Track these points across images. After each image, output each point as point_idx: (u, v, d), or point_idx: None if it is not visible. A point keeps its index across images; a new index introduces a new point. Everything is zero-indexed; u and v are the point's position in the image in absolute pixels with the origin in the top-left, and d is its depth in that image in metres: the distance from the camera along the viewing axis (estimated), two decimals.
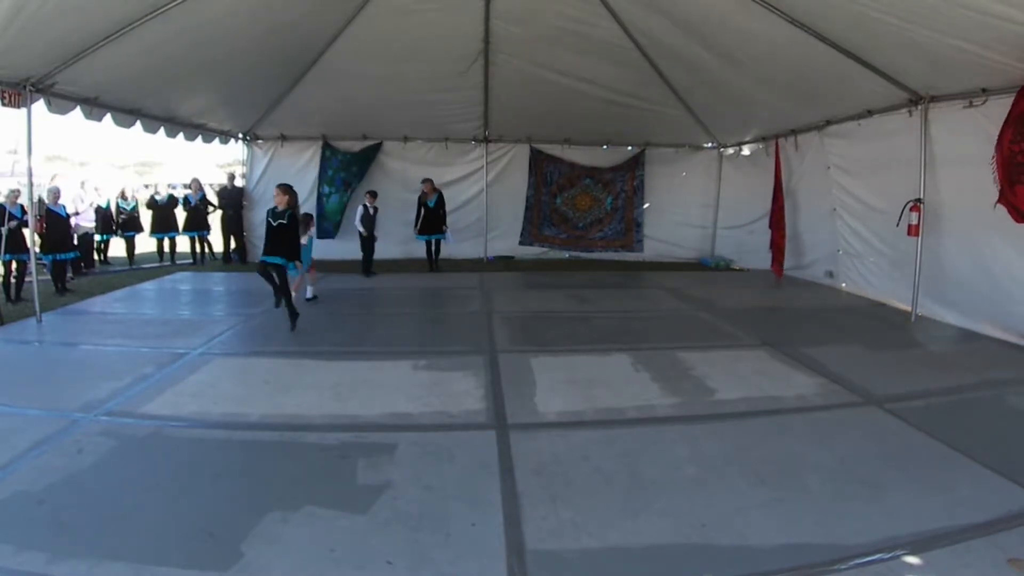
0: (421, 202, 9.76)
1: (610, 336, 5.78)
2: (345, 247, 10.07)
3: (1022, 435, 3.46)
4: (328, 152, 10.80)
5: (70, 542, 2.36)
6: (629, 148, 11.30)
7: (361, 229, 9.01)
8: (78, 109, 6.46)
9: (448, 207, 10.07)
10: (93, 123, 6.88)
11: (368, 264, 9.14)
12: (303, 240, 7.17)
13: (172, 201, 11.32)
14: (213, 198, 11.67)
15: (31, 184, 6.09)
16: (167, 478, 2.91)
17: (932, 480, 2.92)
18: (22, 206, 7.07)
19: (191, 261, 11.01)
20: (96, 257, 10.55)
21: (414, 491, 2.81)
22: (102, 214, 10.29)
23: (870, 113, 6.92)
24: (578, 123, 10.34)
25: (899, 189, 6.44)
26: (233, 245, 11.03)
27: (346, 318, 6.55)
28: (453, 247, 10.53)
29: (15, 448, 3.15)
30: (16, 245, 7.08)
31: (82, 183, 10.26)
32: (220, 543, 2.37)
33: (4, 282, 7.40)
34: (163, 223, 11.05)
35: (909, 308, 6.39)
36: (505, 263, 10.92)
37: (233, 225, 10.95)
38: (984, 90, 5.32)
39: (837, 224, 7.97)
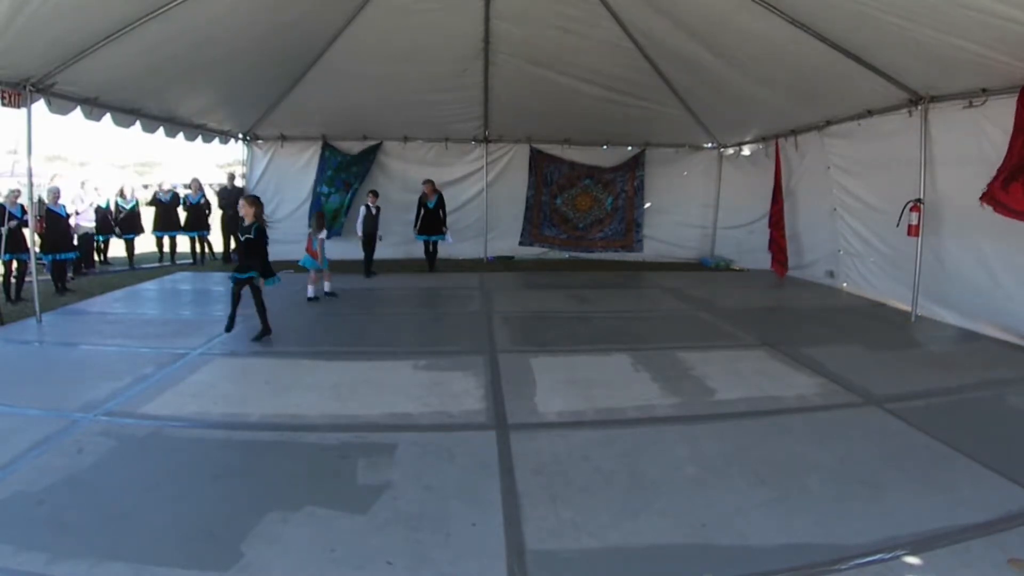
0: (421, 203, 9.76)
1: (610, 336, 5.78)
2: (345, 247, 10.07)
3: (1022, 435, 3.46)
4: (328, 152, 10.80)
5: (70, 542, 2.36)
6: (629, 148, 11.29)
7: (360, 233, 9.00)
8: (78, 109, 6.46)
9: (448, 207, 10.07)
10: (93, 123, 6.88)
11: (369, 264, 9.14)
12: (321, 236, 7.15)
13: (175, 199, 11.31)
14: (213, 199, 11.66)
15: (31, 184, 6.09)
16: (167, 478, 2.91)
17: (932, 480, 2.92)
18: (22, 206, 7.07)
19: (191, 261, 11.02)
20: (96, 257, 10.55)
21: (414, 491, 2.80)
22: (102, 214, 10.29)
23: (870, 113, 6.92)
24: (578, 123, 10.34)
25: (899, 189, 6.44)
26: (233, 245, 10.99)
27: (346, 318, 6.55)
28: (453, 247, 10.51)
29: (15, 448, 3.15)
30: (16, 245, 7.08)
31: (82, 183, 10.24)
32: (220, 543, 2.37)
33: (4, 282, 7.41)
34: (165, 221, 11.04)
35: (909, 308, 6.39)
36: (505, 263, 10.91)
37: (233, 225, 10.87)
38: (984, 90, 5.32)
39: (837, 224, 7.96)
